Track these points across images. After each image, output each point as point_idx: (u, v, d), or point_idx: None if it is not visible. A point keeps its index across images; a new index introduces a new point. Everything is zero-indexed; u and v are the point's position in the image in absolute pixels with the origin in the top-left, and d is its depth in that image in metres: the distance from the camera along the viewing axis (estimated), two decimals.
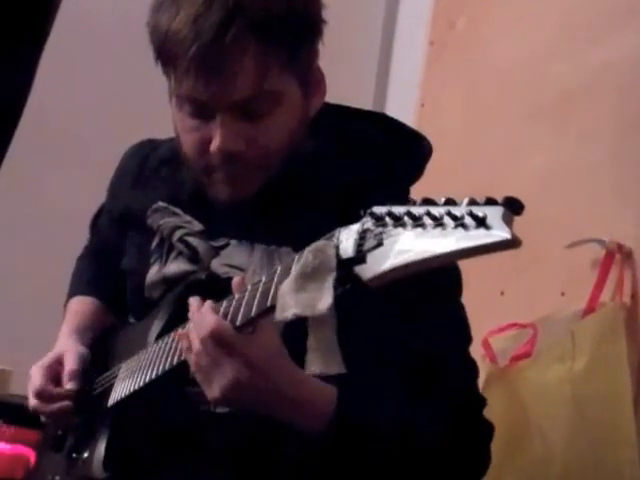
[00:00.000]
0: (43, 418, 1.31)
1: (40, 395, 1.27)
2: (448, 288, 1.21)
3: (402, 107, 2.10)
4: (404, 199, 1.26)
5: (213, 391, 1.05)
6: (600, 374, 1.49)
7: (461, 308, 1.24)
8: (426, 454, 1.13)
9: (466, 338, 1.23)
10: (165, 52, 1.17)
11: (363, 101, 1.97)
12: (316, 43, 1.21)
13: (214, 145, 1.16)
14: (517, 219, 0.78)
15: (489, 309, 1.68)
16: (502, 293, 1.73)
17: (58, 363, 1.30)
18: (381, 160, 1.25)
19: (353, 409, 1.09)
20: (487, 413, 1.55)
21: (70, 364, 1.28)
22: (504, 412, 1.58)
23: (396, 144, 1.26)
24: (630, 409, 1.47)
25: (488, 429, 1.20)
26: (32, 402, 1.29)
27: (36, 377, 1.28)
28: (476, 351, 1.59)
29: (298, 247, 1.16)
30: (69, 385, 1.27)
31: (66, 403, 1.27)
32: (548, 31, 1.79)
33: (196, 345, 1.06)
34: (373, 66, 2.28)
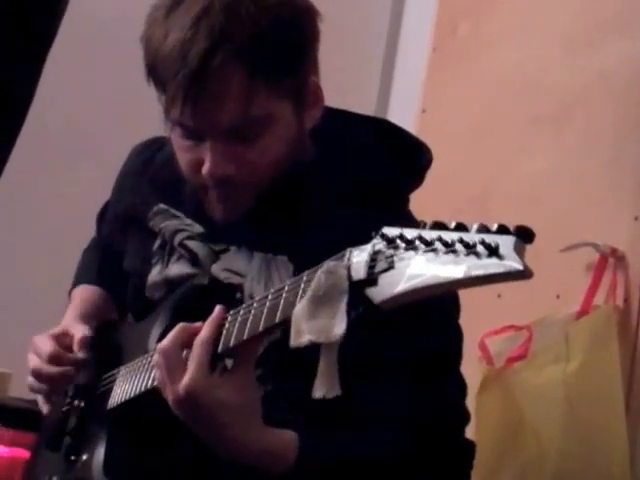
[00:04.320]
0: (37, 385, 1.30)
1: (51, 359, 1.27)
2: (444, 305, 1.21)
3: (404, 112, 2.10)
4: (403, 208, 1.28)
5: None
6: (593, 375, 1.52)
7: (456, 325, 1.24)
8: None
9: (459, 359, 1.24)
10: (155, 74, 1.17)
11: (366, 106, 1.98)
12: (309, 59, 1.20)
13: (205, 169, 1.17)
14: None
15: (486, 311, 1.69)
16: (499, 296, 1.74)
17: (65, 335, 1.31)
18: (381, 169, 1.25)
19: (315, 453, 1.10)
20: (483, 414, 1.58)
21: (80, 332, 1.29)
22: (499, 412, 1.60)
23: (397, 152, 1.27)
24: (622, 410, 1.49)
25: (468, 451, 1.22)
26: (37, 364, 1.28)
27: (46, 342, 1.29)
28: (473, 352, 1.62)
29: (294, 256, 1.19)
30: (80, 353, 1.28)
31: (71, 368, 1.28)
32: (548, 38, 1.80)
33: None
34: (376, 71, 2.29)
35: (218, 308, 1.08)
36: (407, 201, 1.29)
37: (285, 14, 1.15)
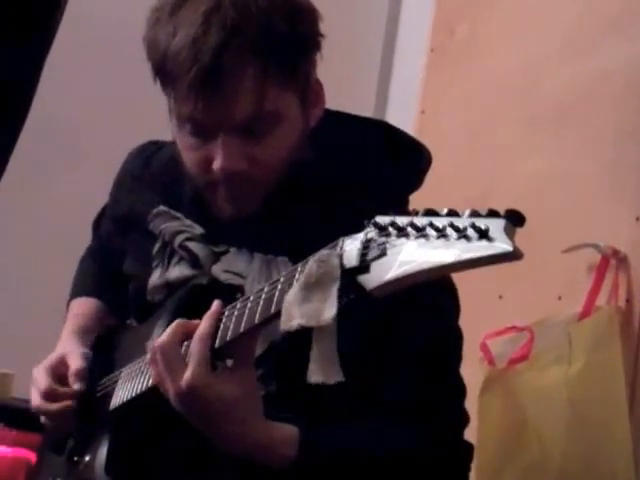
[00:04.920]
0: (44, 419, 1.31)
1: (47, 395, 1.28)
2: (444, 306, 1.22)
3: (403, 113, 2.11)
4: (403, 209, 1.27)
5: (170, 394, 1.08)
6: (596, 377, 1.51)
7: (456, 326, 1.25)
8: None
9: (458, 359, 1.24)
10: (163, 73, 1.17)
11: (364, 107, 1.98)
12: (314, 57, 1.21)
13: (216, 165, 1.16)
14: None
15: (487, 312, 1.69)
16: (500, 297, 1.75)
17: (61, 364, 1.30)
18: (380, 170, 1.26)
19: (315, 449, 1.10)
20: (485, 415, 1.58)
21: (75, 364, 1.29)
22: (501, 414, 1.60)
23: (396, 154, 1.27)
24: (625, 411, 1.49)
25: (466, 452, 1.22)
26: (36, 402, 1.29)
27: (41, 377, 1.29)
28: (474, 354, 1.62)
29: (294, 257, 1.17)
30: (76, 386, 1.27)
31: (69, 402, 1.27)
32: (547, 40, 1.80)
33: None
34: (374, 72, 2.30)
35: (216, 303, 1.09)
36: (406, 202, 1.30)
37: (293, 10, 1.17)
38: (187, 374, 1.05)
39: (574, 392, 1.52)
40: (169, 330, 1.10)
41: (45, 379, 1.28)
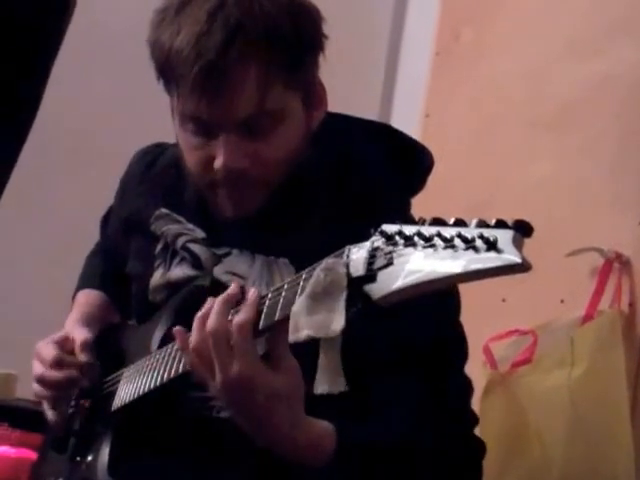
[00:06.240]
0: (45, 391, 1.30)
1: (54, 363, 1.28)
2: (448, 309, 1.22)
3: (407, 117, 2.12)
4: (406, 212, 1.28)
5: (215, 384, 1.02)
6: (598, 380, 1.52)
7: (460, 327, 1.25)
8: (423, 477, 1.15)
9: (463, 357, 1.24)
10: (167, 71, 1.17)
11: (369, 111, 1.98)
12: (317, 57, 1.21)
13: (218, 163, 1.17)
14: None
15: (490, 316, 1.69)
16: (503, 300, 1.75)
17: (66, 339, 1.31)
18: (382, 173, 1.26)
19: (352, 446, 1.08)
20: (487, 419, 1.58)
21: (81, 336, 1.30)
22: (504, 417, 1.60)
23: (398, 156, 1.27)
24: (627, 415, 1.49)
25: (480, 448, 1.22)
26: (40, 370, 1.29)
27: (48, 349, 1.29)
28: (477, 357, 1.62)
29: (295, 259, 1.20)
30: (82, 356, 1.28)
31: (74, 372, 1.28)
32: (551, 44, 1.81)
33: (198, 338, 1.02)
34: (379, 76, 2.30)
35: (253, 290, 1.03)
36: (409, 205, 1.30)
37: (296, 10, 1.18)
38: (241, 362, 0.99)
39: (576, 395, 1.52)
40: (217, 312, 1.02)
41: (52, 349, 1.29)
